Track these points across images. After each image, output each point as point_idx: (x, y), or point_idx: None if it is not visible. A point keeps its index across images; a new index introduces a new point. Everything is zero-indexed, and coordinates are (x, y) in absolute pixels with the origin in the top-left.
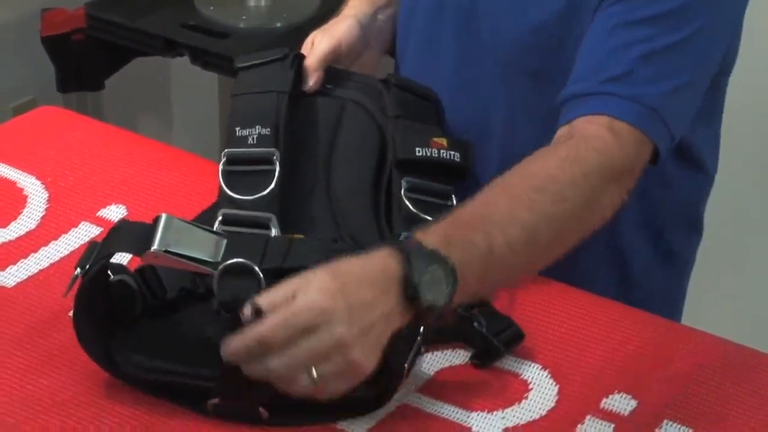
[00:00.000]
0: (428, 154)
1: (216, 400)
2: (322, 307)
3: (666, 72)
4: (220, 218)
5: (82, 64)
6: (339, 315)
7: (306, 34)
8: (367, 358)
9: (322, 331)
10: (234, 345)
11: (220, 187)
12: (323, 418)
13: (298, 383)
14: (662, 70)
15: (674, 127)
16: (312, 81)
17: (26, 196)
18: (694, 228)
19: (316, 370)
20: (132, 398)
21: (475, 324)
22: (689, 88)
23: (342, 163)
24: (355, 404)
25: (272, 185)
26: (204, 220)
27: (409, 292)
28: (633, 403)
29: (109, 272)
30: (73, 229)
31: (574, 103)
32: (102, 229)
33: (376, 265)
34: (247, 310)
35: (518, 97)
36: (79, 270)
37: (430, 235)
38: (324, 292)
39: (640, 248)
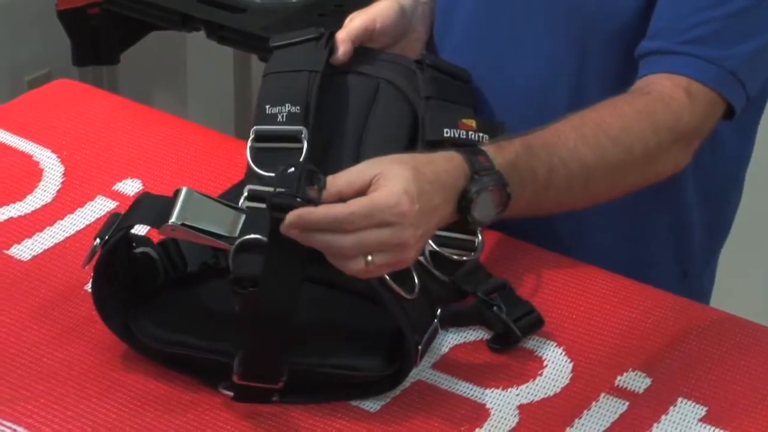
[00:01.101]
0: (456, 135)
1: (228, 384)
2: (402, 210)
3: (746, 33)
4: (245, 194)
5: (97, 38)
6: (411, 219)
7: (322, 9)
8: (415, 255)
9: (394, 229)
10: (306, 217)
11: (248, 164)
12: (336, 396)
13: (350, 264)
14: (742, 31)
15: (750, 87)
16: (339, 53)
17: (42, 170)
18: (737, 196)
19: (373, 258)
20: (148, 371)
21: (495, 309)
22: (767, 49)
23: (373, 142)
24: (369, 384)
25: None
26: (231, 196)
27: (463, 204)
28: (647, 381)
29: (133, 244)
30: (89, 203)
31: (654, 59)
32: (118, 203)
33: (450, 171)
34: (313, 192)
35: (591, 62)
36: (98, 241)
37: (502, 154)
38: (406, 195)
39: (696, 217)
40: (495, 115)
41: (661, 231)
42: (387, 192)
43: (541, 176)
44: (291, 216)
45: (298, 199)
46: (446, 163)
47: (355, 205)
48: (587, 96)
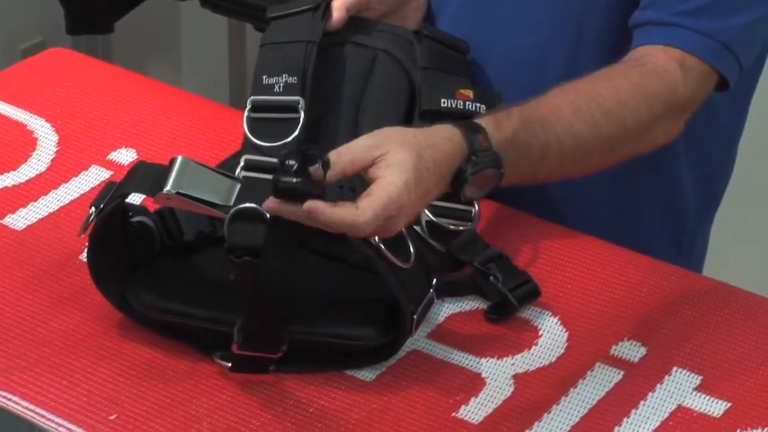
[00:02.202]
0: (453, 105)
1: (224, 353)
2: (402, 204)
3: (739, 6)
4: (242, 164)
5: (91, 7)
6: (407, 210)
7: None
8: (400, 228)
9: (391, 219)
10: (319, 217)
11: (245, 135)
12: (332, 365)
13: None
14: (736, 3)
15: (744, 60)
16: (333, 20)
17: (36, 139)
18: (730, 166)
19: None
20: (143, 340)
21: (492, 278)
22: (762, 22)
23: (370, 112)
24: (364, 353)
25: (296, 132)
26: (228, 167)
27: (457, 183)
28: (642, 350)
29: (129, 213)
30: (83, 172)
31: (648, 29)
32: (112, 173)
33: (449, 155)
34: (317, 172)
35: (587, 33)
36: (93, 209)
37: (500, 131)
38: (406, 187)
39: (689, 187)
40: (490, 85)
41: (654, 202)
42: (390, 186)
43: (535, 154)
44: (302, 212)
45: (296, 180)
46: (446, 145)
47: (366, 213)
48: (582, 67)
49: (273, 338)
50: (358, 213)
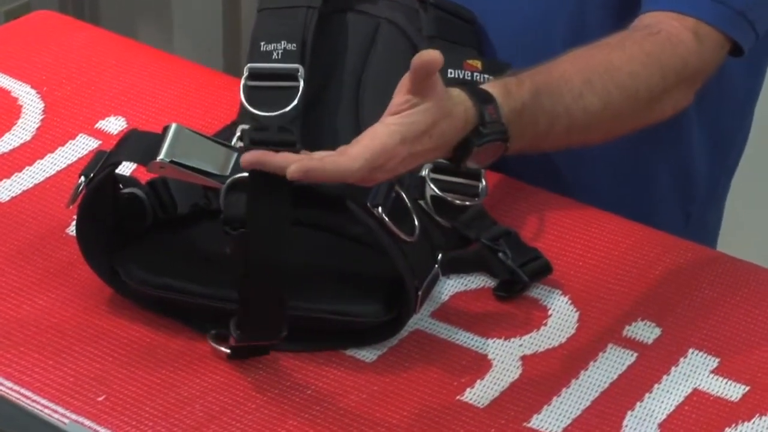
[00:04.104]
0: (460, 76)
1: (219, 332)
2: (394, 154)
3: None
4: (238, 134)
5: None
6: (397, 165)
7: None
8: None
9: (379, 169)
10: (313, 174)
11: (241, 103)
12: (331, 344)
13: None
14: None
15: (760, 26)
16: None
17: (21, 106)
18: (744, 135)
19: None
20: (133, 318)
21: (500, 255)
22: None
23: (372, 84)
24: (365, 332)
25: (295, 102)
26: (224, 137)
27: (459, 153)
28: (657, 331)
29: (120, 185)
30: (70, 141)
31: None
32: (101, 142)
33: (458, 126)
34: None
35: None
36: (83, 179)
37: (509, 101)
38: (402, 141)
39: (700, 157)
40: (492, 49)
41: (663, 168)
42: (385, 136)
43: (542, 126)
44: (296, 167)
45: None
46: (460, 118)
47: (358, 160)
48: (588, 30)
49: (271, 325)
50: (347, 159)
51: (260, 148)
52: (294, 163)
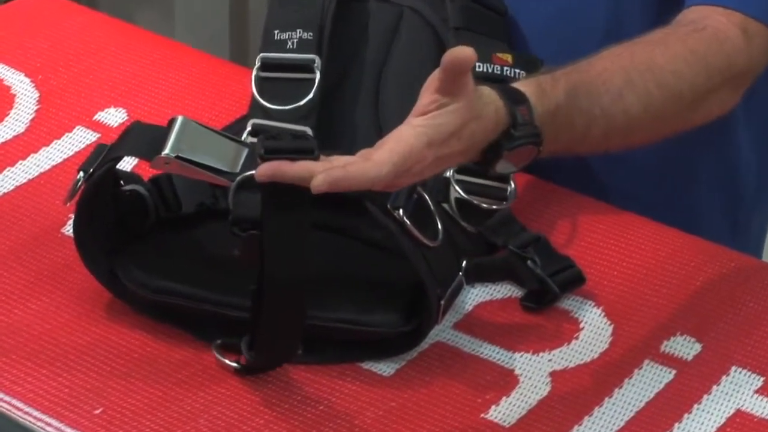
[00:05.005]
0: (489, 70)
1: (224, 342)
2: (421, 158)
3: None
4: (249, 129)
5: None
6: (423, 169)
7: None
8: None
9: (405, 173)
10: (341, 183)
11: (253, 96)
12: (346, 357)
13: None
14: None
15: None
16: None
17: (14, 96)
18: None
19: None
20: (133, 325)
21: (529, 262)
22: None
23: (394, 78)
24: (383, 343)
25: (311, 95)
26: (233, 132)
27: (488, 157)
28: (697, 347)
29: (121, 182)
30: (66, 134)
31: None
32: (99, 135)
33: (489, 128)
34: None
35: None
36: (82, 174)
37: (544, 102)
38: (429, 143)
39: (747, 158)
40: (524, 41)
41: (708, 172)
42: (411, 139)
43: (578, 129)
44: (322, 180)
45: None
46: (491, 119)
47: (386, 165)
48: (625, 28)
49: (288, 345)
50: (374, 165)
51: (276, 157)
52: (318, 174)
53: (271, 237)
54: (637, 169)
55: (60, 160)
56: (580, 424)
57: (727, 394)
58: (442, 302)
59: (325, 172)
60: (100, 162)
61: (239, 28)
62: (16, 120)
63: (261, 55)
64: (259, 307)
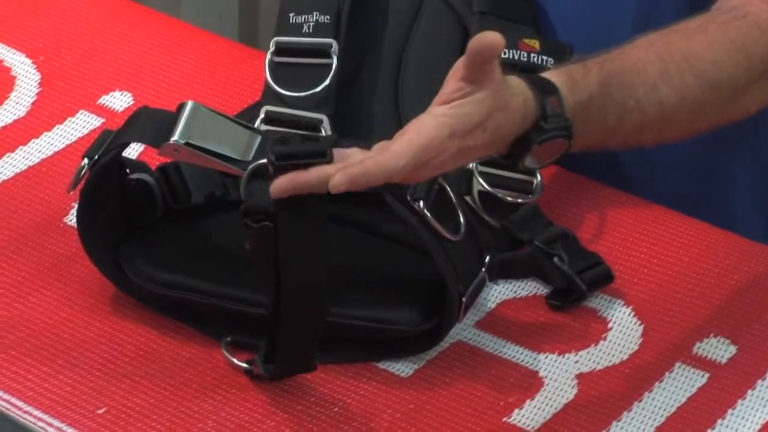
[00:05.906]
0: (515, 57)
1: (234, 339)
2: (442, 149)
3: None
4: (262, 116)
5: None
6: (444, 161)
7: None
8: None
9: (425, 165)
10: (360, 180)
11: (266, 82)
12: (362, 356)
13: None
14: None
15: None
16: None
17: (14, 78)
18: None
19: None
20: (138, 321)
21: (556, 259)
22: None
23: (415, 64)
24: (401, 342)
25: (327, 81)
26: (246, 119)
27: (516, 150)
28: (732, 349)
29: (127, 170)
30: (69, 119)
31: None
32: (104, 120)
33: (516, 120)
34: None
35: None
36: (86, 161)
37: (575, 94)
38: (452, 135)
39: None
40: (551, 26)
41: (746, 172)
42: (432, 129)
43: (611, 122)
44: (339, 179)
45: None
46: (518, 111)
47: (403, 157)
48: (659, 15)
49: (308, 355)
50: (391, 157)
51: (288, 164)
52: (335, 175)
53: (285, 228)
54: (671, 162)
55: (62, 146)
56: (608, 430)
57: (763, 399)
58: (464, 299)
59: (343, 170)
60: (105, 148)
61: (249, 7)
62: (17, 103)
63: (275, 39)
64: (276, 318)
